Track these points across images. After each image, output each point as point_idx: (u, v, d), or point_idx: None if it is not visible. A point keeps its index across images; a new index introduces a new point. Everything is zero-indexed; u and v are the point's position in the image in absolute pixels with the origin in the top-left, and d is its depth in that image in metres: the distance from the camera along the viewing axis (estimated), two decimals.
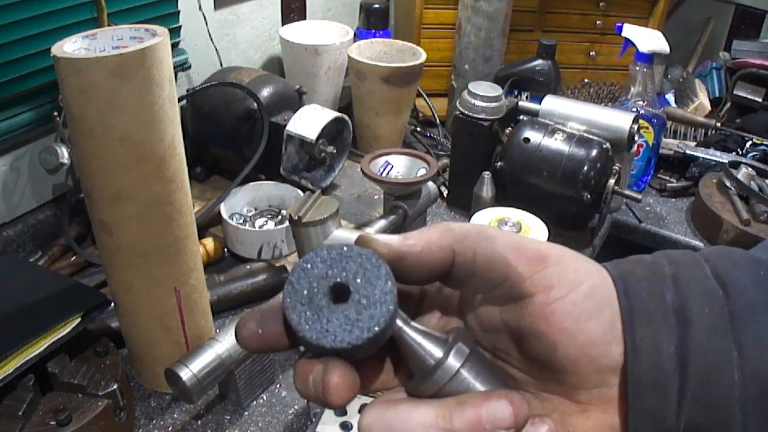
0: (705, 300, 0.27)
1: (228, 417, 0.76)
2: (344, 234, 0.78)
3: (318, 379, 0.26)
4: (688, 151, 1.28)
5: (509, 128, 1.05)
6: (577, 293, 0.28)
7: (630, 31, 1.15)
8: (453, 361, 0.27)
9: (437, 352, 0.28)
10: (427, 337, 0.28)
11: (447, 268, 0.29)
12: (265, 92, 1.09)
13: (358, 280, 0.27)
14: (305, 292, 0.26)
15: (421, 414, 0.26)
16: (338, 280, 0.27)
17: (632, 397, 0.27)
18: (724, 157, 1.25)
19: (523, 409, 0.26)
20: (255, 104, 1.06)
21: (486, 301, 0.30)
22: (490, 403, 0.26)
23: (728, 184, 1.15)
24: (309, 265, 0.27)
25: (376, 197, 1.19)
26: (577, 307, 0.28)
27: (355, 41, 1.30)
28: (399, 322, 0.28)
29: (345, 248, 0.27)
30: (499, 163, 1.02)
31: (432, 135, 1.40)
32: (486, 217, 0.91)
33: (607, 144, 0.98)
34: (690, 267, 0.29)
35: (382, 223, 0.90)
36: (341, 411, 0.73)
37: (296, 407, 0.78)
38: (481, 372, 0.28)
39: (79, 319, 0.69)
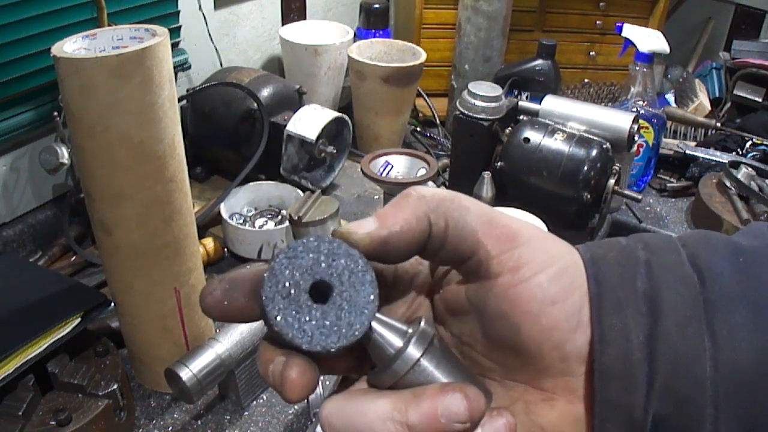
0: (678, 287, 0.26)
1: (228, 417, 0.76)
2: None
3: (278, 371, 0.26)
4: (688, 151, 1.28)
5: (509, 128, 1.05)
6: (544, 275, 0.27)
7: (630, 31, 1.15)
8: (413, 351, 0.27)
9: (397, 341, 0.27)
10: (388, 327, 0.27)
11: (426, 240, 0.27)
12: (265, 92, 1.09)
13: (343, 283, 0.26)
14: (287, 284, 0.26)
15: (378, 406, 0.26)
16: (322, 278, 0.26)
17: (598, 388, 0.26)
18: (724, 157, 1.25)
19: (478, 403, 0.25)
20: (255, 104, 1.06)
21: (453, 278, 0.29)
22: (445, 396, 0.25)
23: (728, 184, 1.15)
24: (294, 255, 0.26)
25: (376, 197, 1.19)
26: (542, 290, 0.27)
27: (355, 41, 1.30)
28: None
29: (335, 244, 0.26)
30: (499, 163, 1.02)
31: (432, 135, 1.40)
32: None
33: (607, 144, 0.98)
34: (665, 252, 0.28)
35: None
36: None
37: (296, 407, 0.78)
38: (442, 362, 0.27)
39: (79, 319, 0.69)
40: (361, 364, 0.29)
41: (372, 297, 0.26)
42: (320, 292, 0.26)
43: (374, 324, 0.27)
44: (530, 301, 0.27)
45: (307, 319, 0.25)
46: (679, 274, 0.27)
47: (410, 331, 0.27)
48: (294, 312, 0.25)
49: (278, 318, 0.25)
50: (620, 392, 0.26)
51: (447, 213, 0.27)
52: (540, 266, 0.27)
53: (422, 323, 0.28)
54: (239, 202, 1.07)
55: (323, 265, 0.26)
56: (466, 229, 0.27)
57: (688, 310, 0.26)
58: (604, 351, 0.26)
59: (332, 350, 0.25)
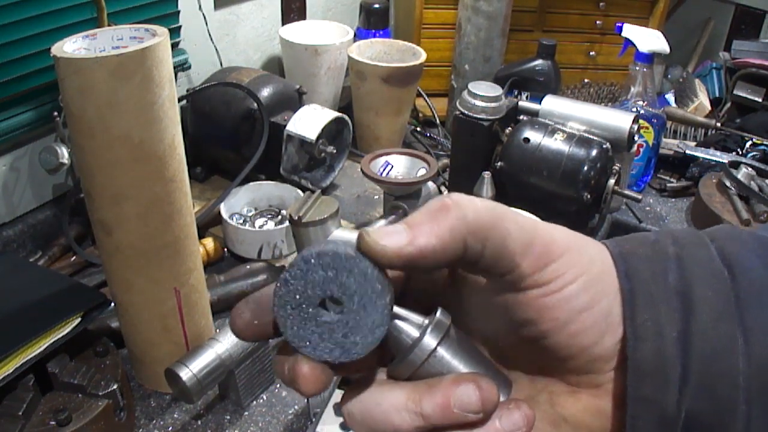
0: (710, 282, 0.26)
1: (228, 417, 0.76)
2: (344, 234, 0.78)
3: (290, 367, 0.26)
4: (688, 151, 1.28)
5: (509, 128, 1.05)
6: (576, 285, 0.27)
7: (630, 31, 1.15)
8: (429, 341, 0.27)
9: (414, 332, 0.27)
10: (405, 320, 0.27)
11: (458, 259, 0.26)
12: (265, 92, 1.09)
13: (354, 302, 0.26)
14: (297, 296, 0.26)
15: (394, 397, 0.26)
16: (334, 295, 0.26)
17: (632, 385, 0.26)
18: (724, 157, 1.25)
19: (491, 393, 0.26)
20: (255, 104, 1.06)
21: (480, 286, 0.29)
22: (459, 387, 0.25)
23: (728, 184, 1.15)
24: (307, 267, 0.26)
25: (376, 197, 1.19)
26: (571, 301, 0.27)
27: (355, 41, 1.30)
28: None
29: (350, 261, 0.25)
30: (499, 163, 1.02)
31: (432, 135, 1.40)
32: None
33: (607, 144, 0.98)
34: (694, 247, 0.27)
35: (381, 223, 0.90)
36: (341, 411, 0.73)
37: (296, 407, 0.78)
38: (459, 351, 0.27)
39: (79, 319, 0.69)
40: (382, 359, 0.30)
41: (383, 318, 0.26)
42: (330, 305, 0.26)
43: (392, 317, 0.27)
44: (559, 310, 0.27)
45: (313, 332, 0.26)
46: (710, 269, 0.27)
47: (426, 321, 0.27)
48: (302, 323, 0.26)
49: (285, 325, 0.26)
50: (654, 389, 0.26)
51: (486, 238, 0.26)
52: (572, 277, 0.27)
53: (438, 313, 0.28)
54: (239, 202, 1.07)
55: (336, 282, 0.26)
56: (504, 253, 0.26)
57: (721, 305, 0.26)
58: (637, 347, 0.26)
59: (335, 363, 0.26)
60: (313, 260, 0.26)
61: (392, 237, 0.25)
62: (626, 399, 0.26)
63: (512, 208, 0.28)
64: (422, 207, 0.26)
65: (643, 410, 0.26)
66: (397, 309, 0.27)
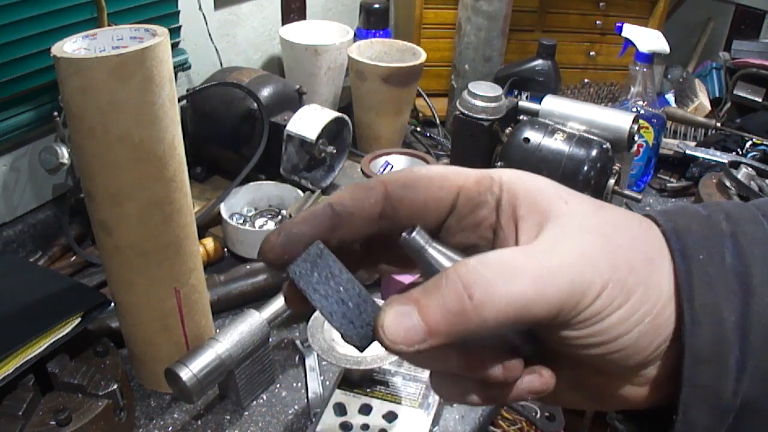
0: None
1: (228, 417, 0.76)
2: None
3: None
4: (688, 151, 1.28)
5: (509, 128, 1.05)
6: (615, 316, 0.25)
7: (630, 31, 1.15)
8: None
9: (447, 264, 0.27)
10: (446, 256, 0.28)
11: None
12: (265, 92, 1.09)
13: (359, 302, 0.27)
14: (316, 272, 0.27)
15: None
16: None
17: (688, 372, 0.25)
18: (724, 157, 1.25)
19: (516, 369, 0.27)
20: (255, 104, 1.06)
21: None
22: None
23: (728, 184, 1.15)
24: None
25: None
26: (630, 347, 0.26)
27: (355, 41, 1.30)
28: (421, 242, 0.27)
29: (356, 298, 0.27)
30: (499, 163, 1.02)
31: (432, 135, 1.40)
32: None
33: (607, 144, 0.98)
34: (748, 224, 0.26)
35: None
36: (341, 411, 0.73)
37: (296, 407, 0.78)
38: None
39: (79, 319, 0.69)
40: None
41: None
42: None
43: (433, 252, 0.28)
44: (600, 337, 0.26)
45: (329, 293, 0.27)
46: (766, 248, 0.25)
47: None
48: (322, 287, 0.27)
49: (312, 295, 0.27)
50: (711, 376, 0.25)
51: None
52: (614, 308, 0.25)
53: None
54: (239, 202, 1.07)
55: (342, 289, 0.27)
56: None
57: None
58: (696, 332, 0.25)
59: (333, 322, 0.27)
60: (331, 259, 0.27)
61: (408, 334, 0.24)
62: (680, 385, 0.25)
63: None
64: (434, 288, 0.25)
65: (698, 398, 0.25)
66: (437, 245, 0.28)
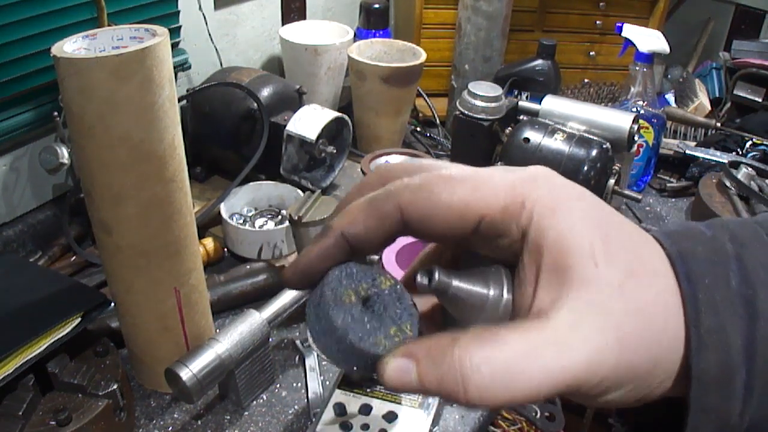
0: None
1: (228, 417, 0.76)
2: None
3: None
4: (688, 151, 1.28)
5: (509, 128, 1.05)
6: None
7: (630, 31, 1.15)
8: (499, 292, 0.28)
9: (483, 290, 0.28)
10: (467, 293, 0.28)
11: None
12: (265, 92, 1.09)
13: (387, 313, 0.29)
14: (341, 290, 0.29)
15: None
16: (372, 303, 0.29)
17: (695, 396, 0.25)
18: (724, 157, 1.25)
19: None
20: (255, 104, 1.06)
21: None
22: None
23: (728, 184, 1.15)
24: (351, 275, 0.29)
25: None
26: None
27: (355, 41, 1.30)
28: (439, 287, 0.28)
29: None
30: (499, 163, 1.02)
31: (432, 135, 1.40)
32: None
33: (607, 144, 0.98)
34: (753, 245, 0.27)
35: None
36: (341, 411, 0.73)
37: (296, 407, 0.78)
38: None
39: (79, 319, 0.69)
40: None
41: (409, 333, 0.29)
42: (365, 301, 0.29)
43: (457, 282, 0.29)
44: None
45: (353, 317, 0.28)
46: None
47: (490, 273, 0.29)
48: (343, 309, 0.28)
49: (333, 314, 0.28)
50: (718, 400, 0.25)
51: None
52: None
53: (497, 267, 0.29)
54: (239, 202, 1.07)
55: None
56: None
57: None
58: (702, 357, 0.25)
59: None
60: (355, 270, 0.30)
61: (404, 380, 0.26)
62: (687, 408, 0.26)
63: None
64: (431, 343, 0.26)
65: (704, 421, 0.26)
66: (455, 277, 0.29)
